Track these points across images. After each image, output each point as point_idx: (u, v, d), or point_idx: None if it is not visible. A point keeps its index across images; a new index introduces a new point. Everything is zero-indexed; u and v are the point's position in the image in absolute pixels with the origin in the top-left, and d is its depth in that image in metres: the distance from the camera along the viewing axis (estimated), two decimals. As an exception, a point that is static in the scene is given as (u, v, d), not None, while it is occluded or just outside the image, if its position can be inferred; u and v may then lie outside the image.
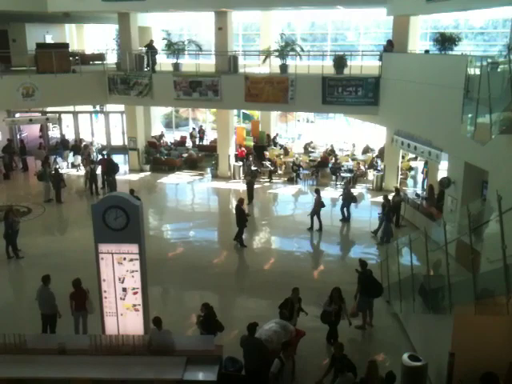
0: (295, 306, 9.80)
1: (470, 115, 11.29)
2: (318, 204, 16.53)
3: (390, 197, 16.61)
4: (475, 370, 7.55)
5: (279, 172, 23.24)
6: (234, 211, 17.48)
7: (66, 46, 23.99)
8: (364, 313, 10.82)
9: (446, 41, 15.65)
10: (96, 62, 24.37)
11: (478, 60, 11.25)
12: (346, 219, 17.47)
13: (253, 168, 22.29)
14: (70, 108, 26.76)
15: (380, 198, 19.71)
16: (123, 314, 8.78)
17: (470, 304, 6.89)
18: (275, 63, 21.45)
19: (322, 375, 8.20)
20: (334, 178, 22.08)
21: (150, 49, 22.43)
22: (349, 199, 17.47)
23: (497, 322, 7.61)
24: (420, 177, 21.34)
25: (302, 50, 21.32)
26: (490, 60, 10.42)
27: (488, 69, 10.23)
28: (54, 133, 28.65)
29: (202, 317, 9.16)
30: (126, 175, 22.97)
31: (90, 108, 27.66)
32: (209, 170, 23.68)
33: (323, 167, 22.52)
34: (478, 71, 11.03)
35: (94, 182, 20.35)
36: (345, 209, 17.46)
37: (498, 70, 9.99)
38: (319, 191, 16.91)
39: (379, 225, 16.19)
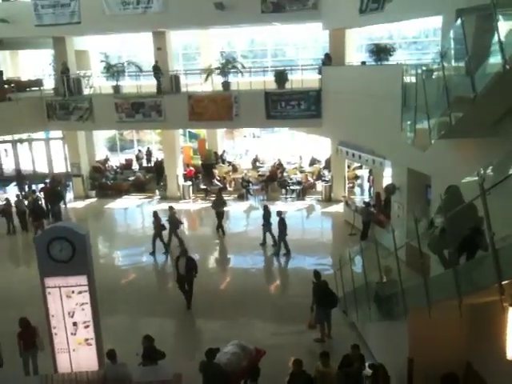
0: (354, 364, 8.50)
1: (408, 122, 11.60)
2: (159, 226, 16.24)
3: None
4: (435, 372, 7.67)
5: (229, 189, 23.17)
6: (186, 232, 17.44)
7: (-1, 73, 23.17)
8: (322, 325, 10.84)
9: (381, 52, 16.15)
10: (33, 89, 23.62)
11: (413, 68, 11.61)
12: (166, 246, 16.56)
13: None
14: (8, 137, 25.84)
15: (330, 209, 20.12)
16: (75, 350, 8.40)
17: (424, 308, 6.99)
18: (217, 81, 21.50)
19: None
20: (283, 191, 22.22)
21: (64, 73, 21.93)
22: (175, 224, 16.66)
23: (451, 324, 7.76)
24: (366, 185, 21.78)
25: (243, 67, 21.49)
26: (424, 68, 10.75)
27: (423, 76, 10.56)
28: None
29: (143, 350, 8.83)
30: (71, 203, 22.25)
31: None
32: (157, 191, 23.30)
33: (272, 181, 22.63)
34: (413, 79, 11.37)
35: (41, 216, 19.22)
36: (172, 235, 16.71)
37: (433, 76, 10.31)
38: (157, 214, 16.48)
39: (265, 235, 16.45)
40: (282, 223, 15.75)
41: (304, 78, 20.21)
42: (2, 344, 9.50)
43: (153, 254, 16.33)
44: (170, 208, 17.02)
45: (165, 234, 16.51)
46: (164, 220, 16.61)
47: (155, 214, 16.50)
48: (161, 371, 8.28)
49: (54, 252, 8.04)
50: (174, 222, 16.64)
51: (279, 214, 15.97)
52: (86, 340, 8.34)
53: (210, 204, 19.01)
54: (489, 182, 5.73)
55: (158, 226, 16.33)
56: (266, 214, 16.51)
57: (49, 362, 8.48)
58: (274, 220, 16.07)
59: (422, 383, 7.94)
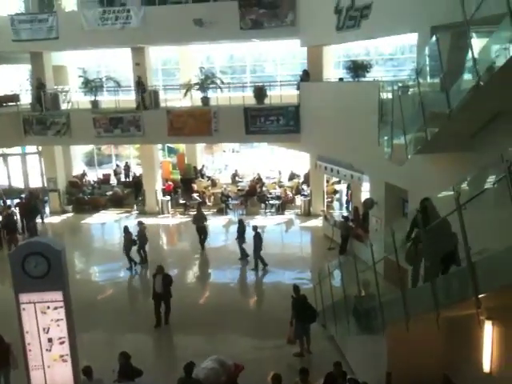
0: (337, 381, 8.29)
1: (385, 138, 11.77)
2: (130, 241, 16.28)
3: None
4: (412, 385, 7.72)
5: (208, 204, 23.09)
6: (164, 247, 17.24)
7: (-25, 87, 22.93)
8: (301, 339, 10.81)
9: (358, 68, 16.38)
10: (10, 104, 23.32)
11: (389, 85, 11.81)
12: (142, 262, 16.70)
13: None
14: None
15: (309, 223, 20.20)
16: (50, 366, 8.18)
17: (402, 322, 7.04)
18: (197, 96, 21.55)
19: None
20: (263, 206, 22.24)
21: (40, 88, 21.81)
22: (143, 239, 16.67)
23: (428, 338, 7.82)
24: (345, 199, 21.94)
25: (223, 83, 21.59)
26: (400, 84, 10.94)
27: (399, 92, 10.74)
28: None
29: (119, 367, 8.69)
30: (47, 218, 21.88)
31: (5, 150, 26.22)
32: (135, 206, 23.12)
33: (252, 196, 22.64)
34: (390, 95, 11.56)
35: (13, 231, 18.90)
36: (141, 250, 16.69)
37: (409, 93, 10.50)
38: (127, 229, 16.50)
39: (241, 249, 16.57)
40: (258, 238, 15.75)
41: (283, 94, 20.39)
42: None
43: (130, 268, 16.25)
44: (140, 223, 17.00)
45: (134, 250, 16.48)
46: (134, 235, 16.51)
47: (126, 230, 16.43)
48: (138, 388, 8.15)
49: (29, 268, 7.87)
50: (143, 238, 16.59)
51: (255, 228, 15.98)
52: (62, 356, 8.15)
53: (190, 219, 18.91)
54: (464, 197, 5.84)
55: (128, 240, 16.26)
56: (241, 228, 16.57)
57: (22, 379, 8.25)
58: (250, 234, 16.03)
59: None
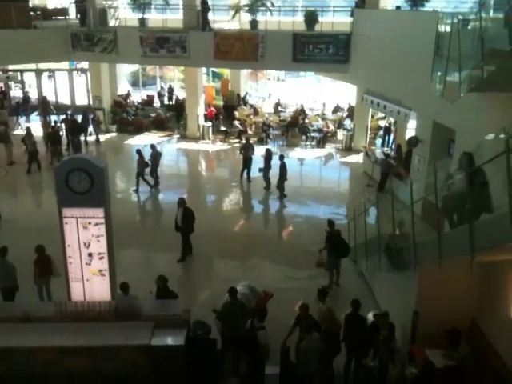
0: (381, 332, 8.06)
1: (439, 73, 11.24)
2: (143, 164, 16.41)
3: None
4: (439, 327, 7.76)
5: (249, 132, 22.91)
6: (203, 173, 17.34)
7: (26, -1, 22.81)
8: (331, 272, 10.95)
9: (417, -3, 15.43)
10: (59, 18, 23.23)
11: (449, 17, 11.10)
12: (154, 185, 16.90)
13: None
14: (33, 66, 25.74)
15: (349, 159, 19.91)
16: (89, 280, 8.59)
17: (435, 262, 6.98)
18: (245, 19, 20.84)
19: (286, 335, 8.25)
20: (303, 138, 21.95)
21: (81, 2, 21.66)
22: (155, 163, 16.82)
23: (459, 281, 7.76)
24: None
25: (273, 6, 20.74)
26: (460, 17, 10.27)
27: (459, 26, 10.10)
28: (16, 92, 27.71)
29: (156, 289, 9.02)
30: (91, 136, 22.26)
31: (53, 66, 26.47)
32: (177, 130, 23.20)
33: (293, 127, 22.32)
34: (448, 28, 10.91)
35: (57, 144, 19.53)
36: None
37: (469, 27, 9.88)
38: (141, 152, 16.51)
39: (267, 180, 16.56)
40: (283, 167, 15.66)
41: (335, 21, 19.45)
42: (18, 270, 9.77)
43: (136, 191, 16.52)
44: (152, 146, 17.05)
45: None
46: (148, 159, 16.62)
47: (139, 152, 16.52)
48: (170, 306, 8.48)
49: (73, 183, 8.07)
50: (155, 161, 16.74)
51: (281, 158, 15.88)
52: (100, 271, 8.51)
53: (230, 146, 18.85)
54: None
55: (141, 163, 16.42)
56: (268, 157, 16.54)
57: (62, 290, 8.72)
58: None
59: (424, 336, 8.05)
